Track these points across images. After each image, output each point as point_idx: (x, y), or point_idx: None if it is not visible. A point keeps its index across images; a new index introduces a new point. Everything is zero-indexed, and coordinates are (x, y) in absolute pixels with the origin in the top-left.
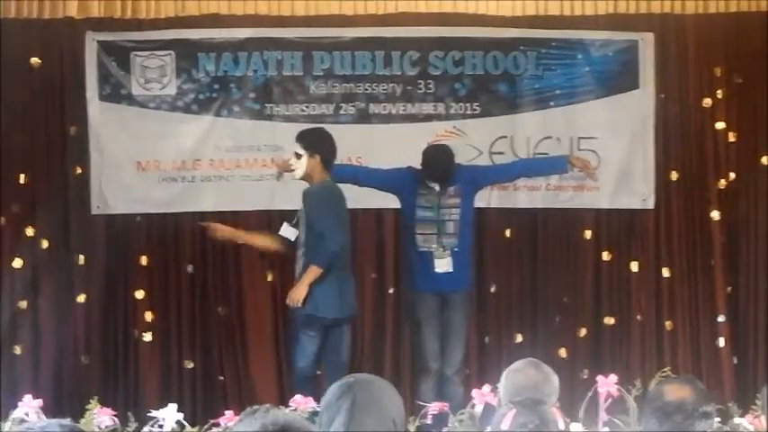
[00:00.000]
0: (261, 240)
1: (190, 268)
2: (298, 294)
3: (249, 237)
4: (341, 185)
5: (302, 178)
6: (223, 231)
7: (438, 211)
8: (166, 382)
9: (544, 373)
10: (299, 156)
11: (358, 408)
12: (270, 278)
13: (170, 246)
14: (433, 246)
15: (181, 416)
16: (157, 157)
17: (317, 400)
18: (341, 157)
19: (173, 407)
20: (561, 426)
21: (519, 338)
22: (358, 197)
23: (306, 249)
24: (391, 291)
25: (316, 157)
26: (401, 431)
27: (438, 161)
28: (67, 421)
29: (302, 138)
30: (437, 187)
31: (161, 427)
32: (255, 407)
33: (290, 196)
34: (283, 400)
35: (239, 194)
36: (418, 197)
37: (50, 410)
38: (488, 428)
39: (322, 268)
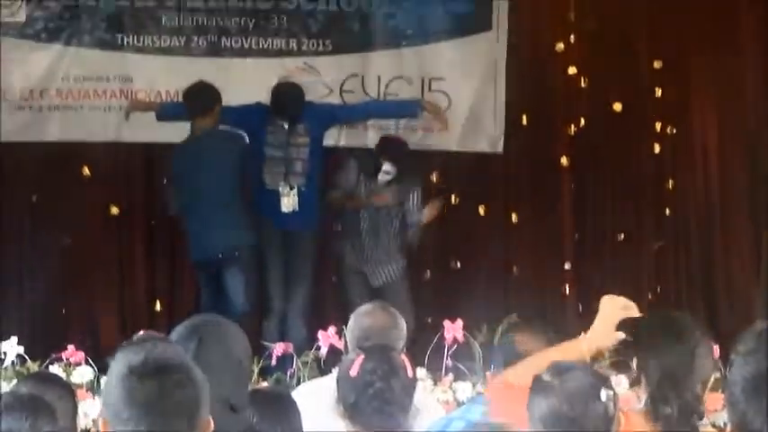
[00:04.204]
0: None
1: (34, 198)
2: None
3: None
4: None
5: None
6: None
7: (286, 150)
8: (7, 315)
9: (393, 317)
10: None
11: (204, 349)
12: (115, 211)
13: (15, 175)
14: (281, 184)
15: (21, 349)
16: (4, 85)
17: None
18: None
19: (13, 339)
20: (410, 373)
21: None
22: None
23: None
24: None
25: None
26: (247, 373)
27: (287, 98)
28: None
29: None
30: (286, 125)
31: (1, 359)
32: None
33: (137, 129)
34: (126, 336)
35: (86, 125)
36: (267, 135)
37: None
38: (334, 371)
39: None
